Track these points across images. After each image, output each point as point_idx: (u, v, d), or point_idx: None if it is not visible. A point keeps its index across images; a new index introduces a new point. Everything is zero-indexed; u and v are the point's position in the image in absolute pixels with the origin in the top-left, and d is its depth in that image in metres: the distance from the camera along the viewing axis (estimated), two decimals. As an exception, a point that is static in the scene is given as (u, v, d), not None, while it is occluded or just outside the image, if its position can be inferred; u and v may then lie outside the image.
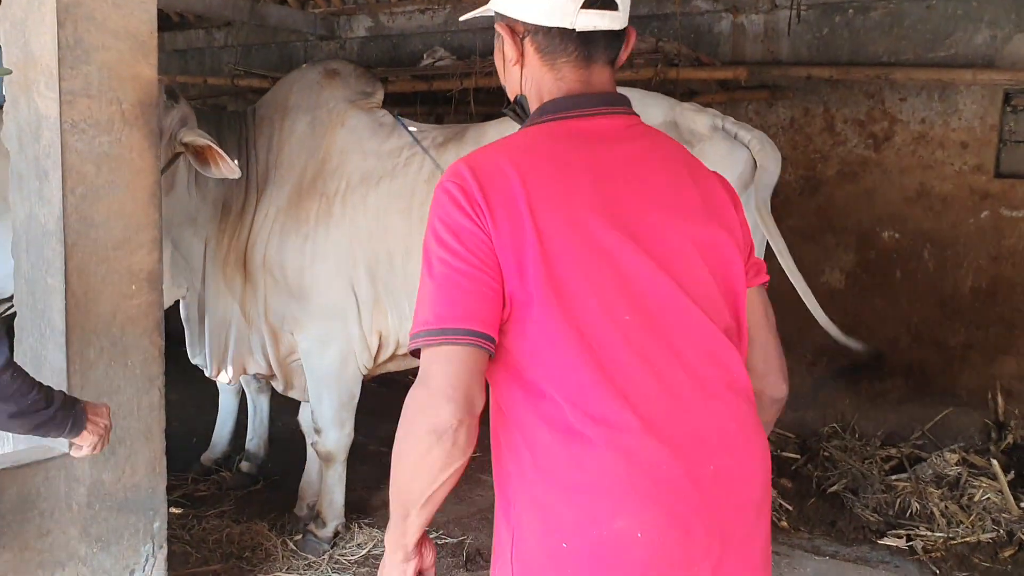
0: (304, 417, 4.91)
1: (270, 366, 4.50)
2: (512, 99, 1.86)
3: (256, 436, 5.38)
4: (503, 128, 4.25)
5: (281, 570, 4.26)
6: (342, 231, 4.17)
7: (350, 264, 4.18)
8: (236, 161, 3.93)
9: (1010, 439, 5.33)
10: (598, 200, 1.65)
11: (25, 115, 3.06)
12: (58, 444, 3.05)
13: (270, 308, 4.31)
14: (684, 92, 5.80)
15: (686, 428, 1.64)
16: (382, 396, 6.84)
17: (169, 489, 5.00)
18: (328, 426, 4.38)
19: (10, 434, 3.18)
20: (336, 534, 4.52)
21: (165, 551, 3.35)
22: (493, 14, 1.84)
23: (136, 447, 3.24)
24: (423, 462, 1.57)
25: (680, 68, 5.41)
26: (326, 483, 4.53)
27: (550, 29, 1.74)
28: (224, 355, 4.52)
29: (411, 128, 4.31)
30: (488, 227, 1.59)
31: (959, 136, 5.48)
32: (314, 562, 4.34)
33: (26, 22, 3.02)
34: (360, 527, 4.70)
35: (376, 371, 4.57)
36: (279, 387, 4.68)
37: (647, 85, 5.56)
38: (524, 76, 1.80)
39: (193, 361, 4.61)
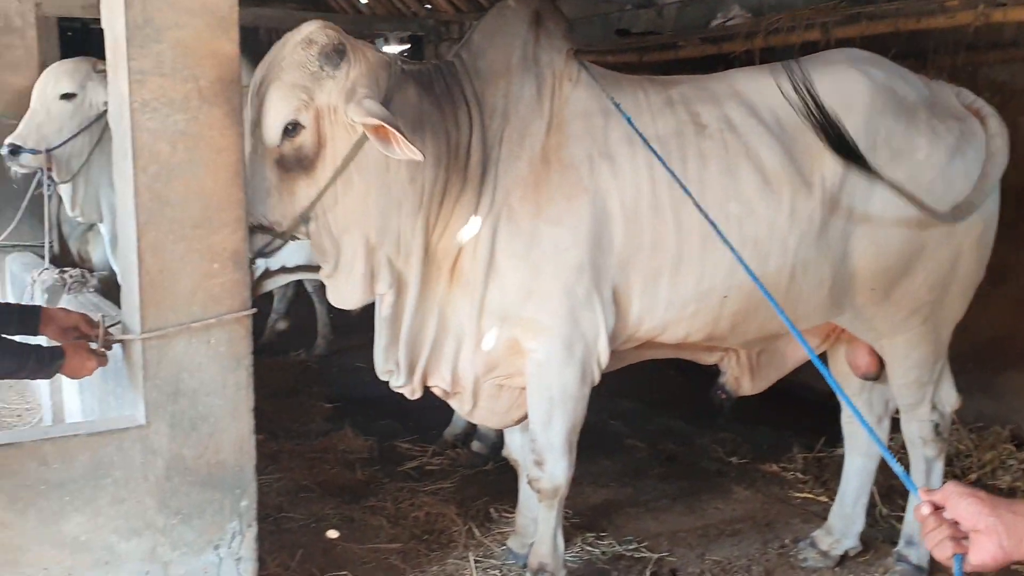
0: (515, 447, 4.15)
1: (456, 381, 3.71)
2: None
3: (493, 416, 5.23)
4: (743, 77, 3.78)
5: (456, 558, 4.10)
6: (599, 209, 3.50)
7: (606, 248, 3.51)
8: (426, 141, 3.37)
9: None
10: None
11: (114, 97, 3.16)
12: (135, 417, 3.15)
13: (487, 312, 3.57)
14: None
15: None
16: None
17: (406, 459, 5.14)
18: (558, 455, 3.62)
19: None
20: None
21: (255, 530, 3.31)
22: None
23: (221, 425, 3.22)
24: None
25: None
26: (548, 526, 3.75)
27: None
28: (415, 364, 3.67)
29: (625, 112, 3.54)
30: None
31: None
32: (492, 553, 4.13)
33: (111, 4, 3.10)
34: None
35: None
36: (463, 408, 3.87)
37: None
38: None
39: (382, 369, 3.67)
